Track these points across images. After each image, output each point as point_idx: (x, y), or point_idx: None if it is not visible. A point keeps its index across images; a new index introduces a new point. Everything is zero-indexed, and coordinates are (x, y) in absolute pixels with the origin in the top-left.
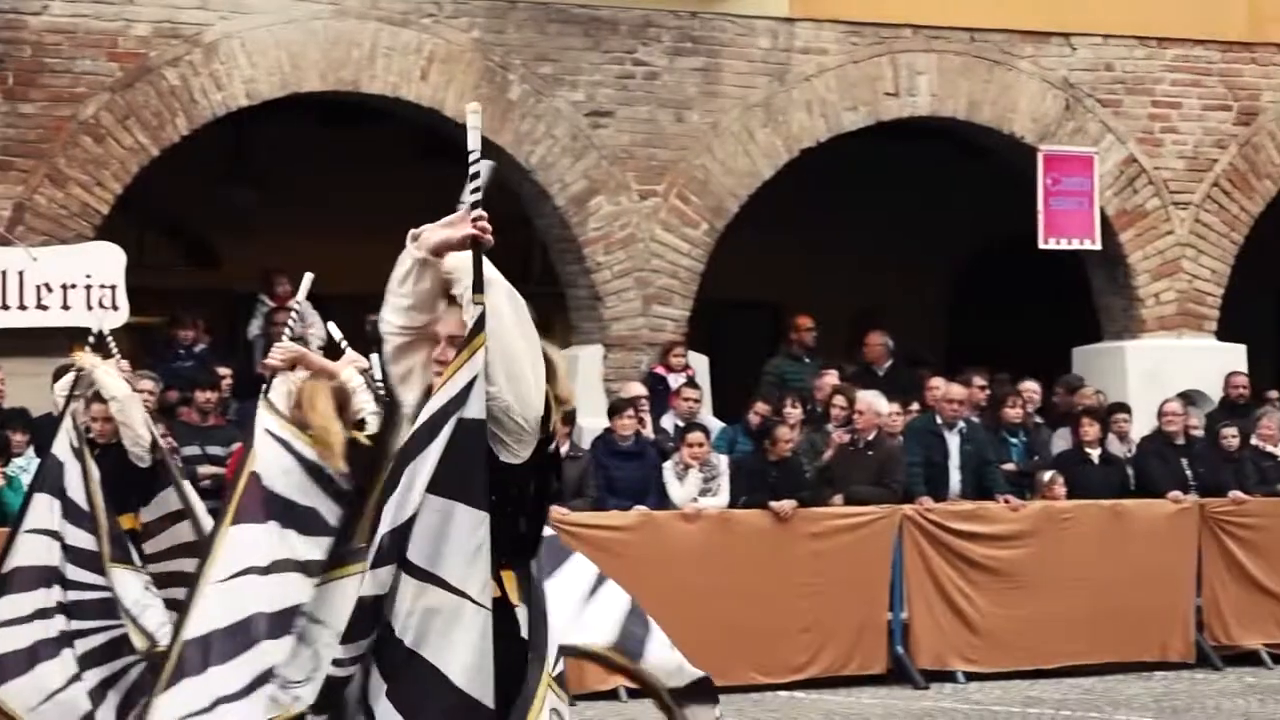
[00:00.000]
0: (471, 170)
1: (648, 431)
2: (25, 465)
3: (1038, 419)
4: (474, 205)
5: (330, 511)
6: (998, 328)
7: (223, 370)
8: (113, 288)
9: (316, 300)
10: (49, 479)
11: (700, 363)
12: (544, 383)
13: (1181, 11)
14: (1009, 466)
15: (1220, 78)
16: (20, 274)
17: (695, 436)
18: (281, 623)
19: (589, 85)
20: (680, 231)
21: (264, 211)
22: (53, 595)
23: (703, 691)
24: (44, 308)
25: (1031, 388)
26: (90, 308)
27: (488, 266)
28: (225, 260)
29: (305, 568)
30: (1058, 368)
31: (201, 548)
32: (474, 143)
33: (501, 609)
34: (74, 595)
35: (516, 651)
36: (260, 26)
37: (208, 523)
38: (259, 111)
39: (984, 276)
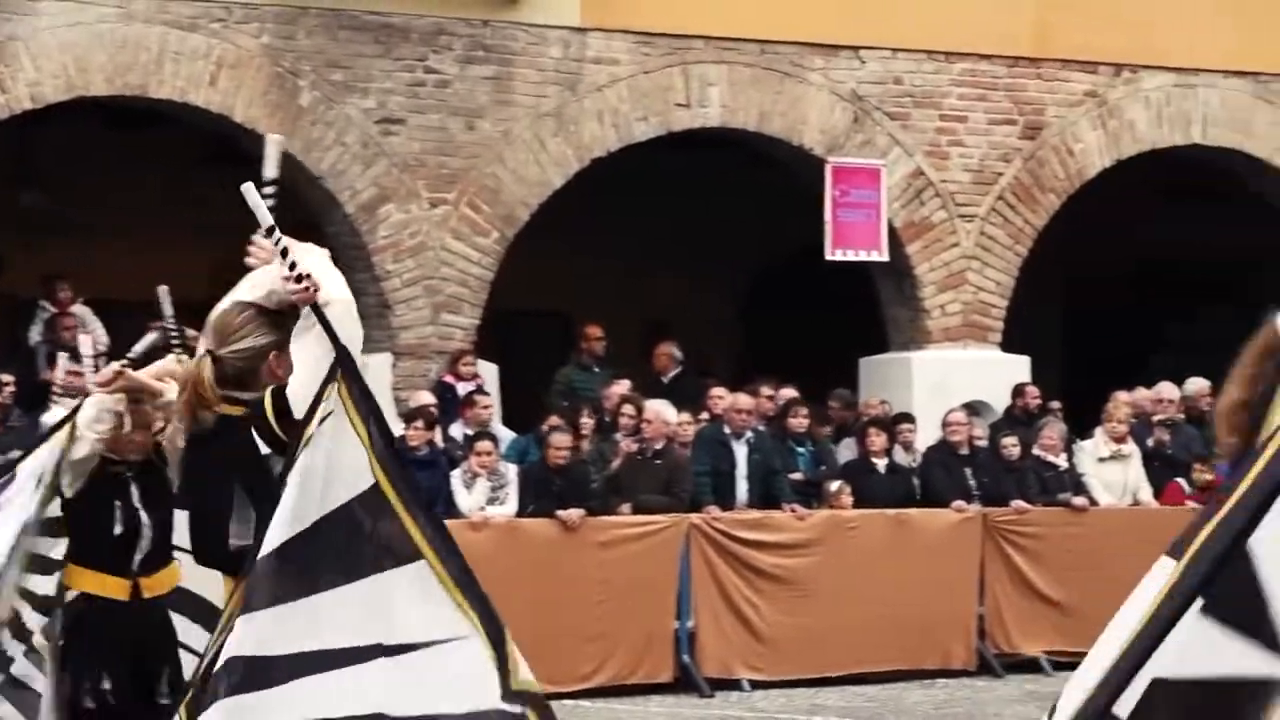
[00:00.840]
0: (265, 201)
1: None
2: None
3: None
4: (269, 230)
5: None
6: (788, 338)
7: (4, 377)
8: None
9: (100, 306)
10: None
11: (489, 371)
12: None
13: (969, 26)
14: (796, 476)
15: (1006, 92)
16: None
17: (483, 445)
18: None
19: (380, 92)
20: (470, 240)
21: (50, 215)
22: None
23: None
24: None
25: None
26: None
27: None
28: (9, 265)
29: None
30: (845, 378)
31: None
32: (270, 172)
33: None
34: None
35: None
36: (45, 29)
37: None
38: (45, 115)
39: (774, 287)
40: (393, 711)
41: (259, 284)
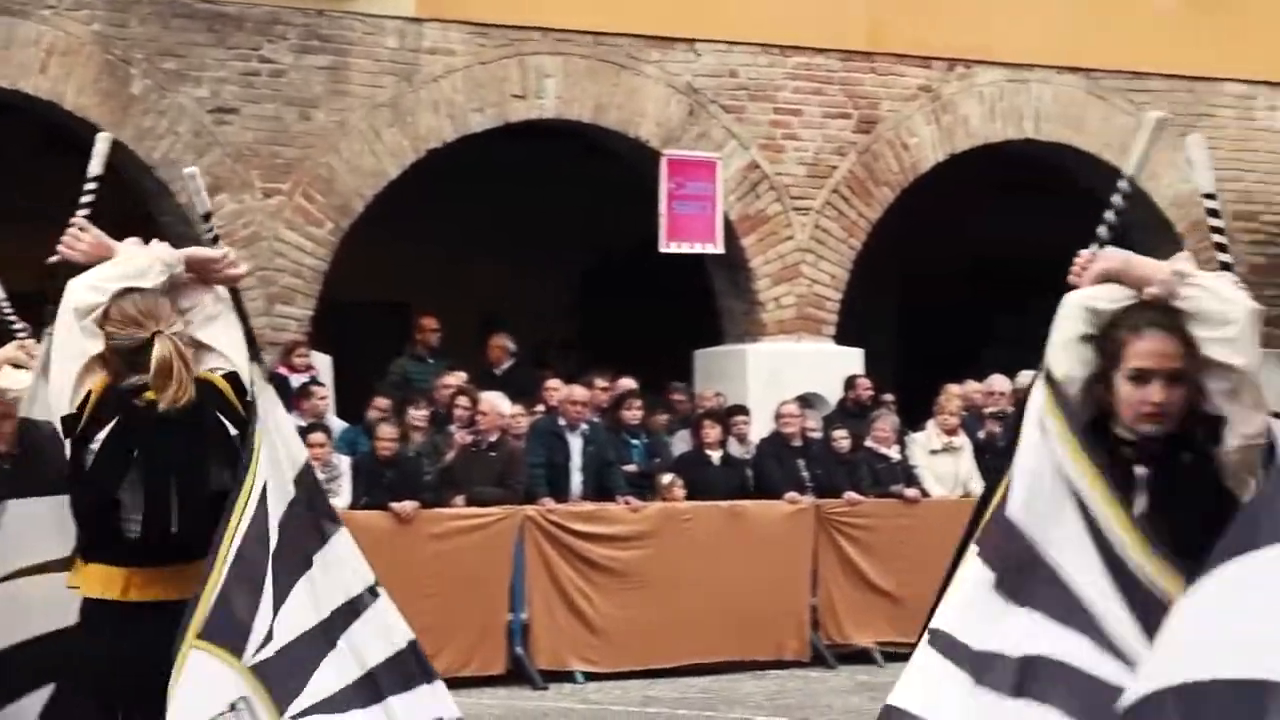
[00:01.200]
0: (84, 198)
1: None
2: None
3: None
4: (206, 217)
5: None
6: (623, 330)
7: None
8: None
9: None
10: None
11: (323, 362)
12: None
13: (804, 20)
14: (630, 468)
15: (841, 86)
16: None
17: (316, 437)
18: None
19: (213, 81)
20: (304, 230)
21: None
22: None
23: None
24: None
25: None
26: None
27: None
28: None
29: None
30: (680, 370)
31: None
32: (95, 169)
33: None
34: None
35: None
36: None
37: None
38: None
39: (610, 279)
40: None
41: (148, 270)
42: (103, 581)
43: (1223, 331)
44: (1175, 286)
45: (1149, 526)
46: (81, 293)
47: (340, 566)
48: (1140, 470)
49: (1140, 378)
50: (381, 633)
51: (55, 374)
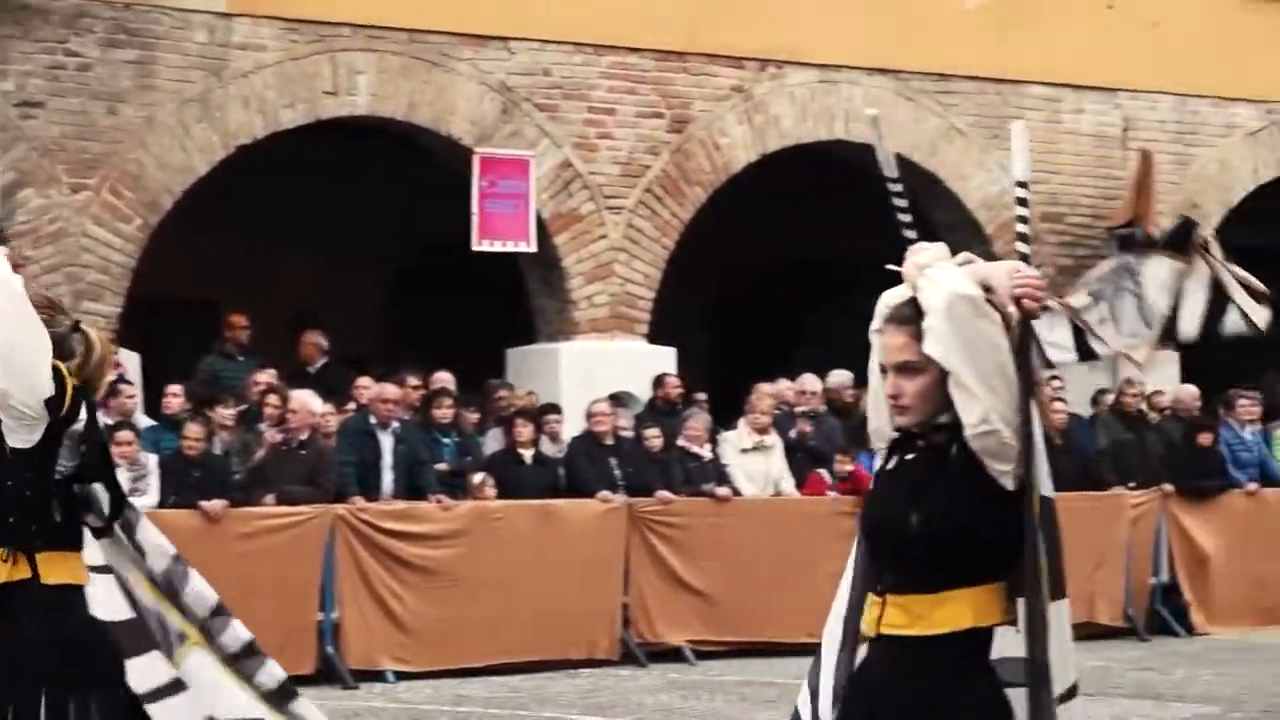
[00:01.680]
0: None
1: None
2: None
3: (469, 412)
4: None
5: None
6: (436, 328)
7: None
8: None
9: None
10: None
11: (132, 360)
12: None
13: (618, 20)
14: (441, 466)
15: (654, 86)
16: None
17: (124, 435)
18: None
19: (18, 75)
20: (112, 226)
21: None
22: None
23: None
24: None
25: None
26: None
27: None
28: None
29: None
30: (494, 369)
31: None
32: None
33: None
34: None
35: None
36: None
37: None
38: None
39: (423, 277)
40: None
41: None
42: (74, 569)
43: (927, 322)
44: (914, 279)
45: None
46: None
47: None
48: (888, 462)
49: (883, 370)
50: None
51: (33, 350)
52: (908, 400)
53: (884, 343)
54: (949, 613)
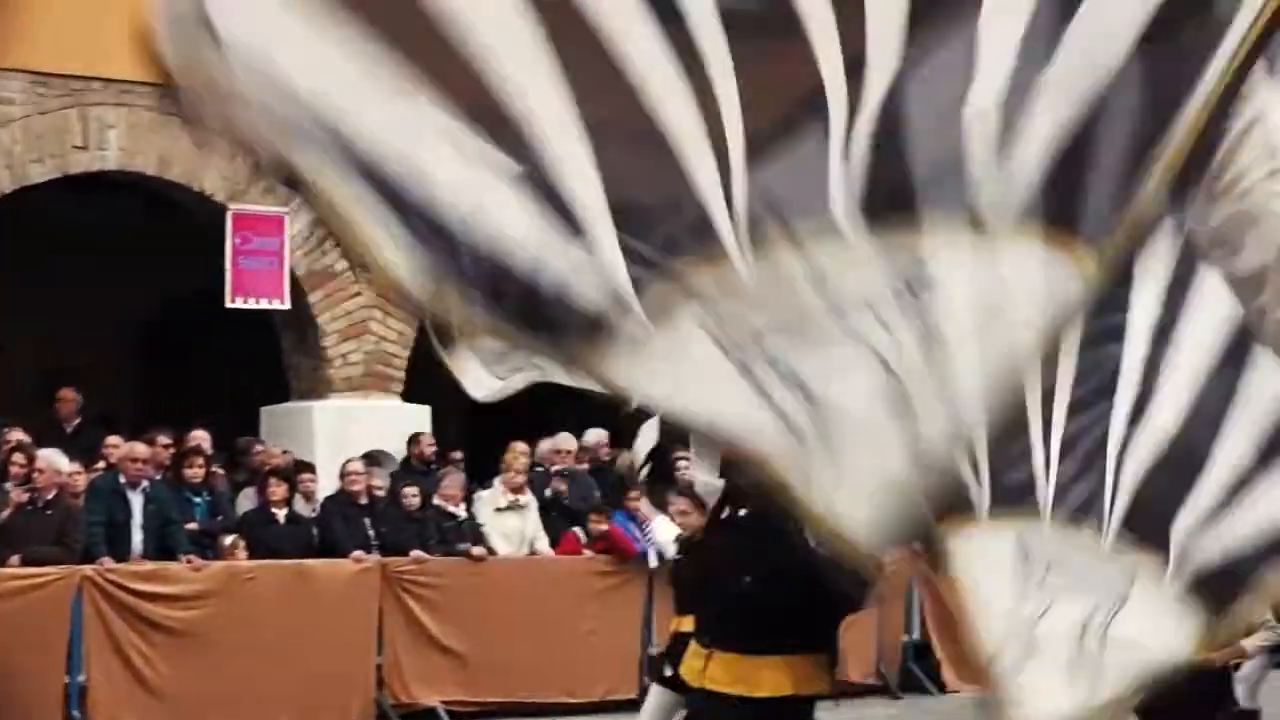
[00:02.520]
0: None
1: None
2: None
3: (220, 470)
4: None
5: None
6: (190, 386)
7: None
8: None
9: None
10: None
11: None
12: None
13: None
14: (192, 526)
15: None
16: None
17: None
18: None
19: None
20: None
21: None
22: None
23: None
24: None
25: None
26: None
27: None
28: None
29: None
30: (249, 427)
31: None
32: None
33: None
34: None
35: None
36: None
37: None
38: None
39: (178, 334)
40: None
41: None
42: None
43: None
44: None
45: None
46: None
47: None
48: (723, 512)
49: None
50: None
51: None
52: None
53: None
54: (771, 678)
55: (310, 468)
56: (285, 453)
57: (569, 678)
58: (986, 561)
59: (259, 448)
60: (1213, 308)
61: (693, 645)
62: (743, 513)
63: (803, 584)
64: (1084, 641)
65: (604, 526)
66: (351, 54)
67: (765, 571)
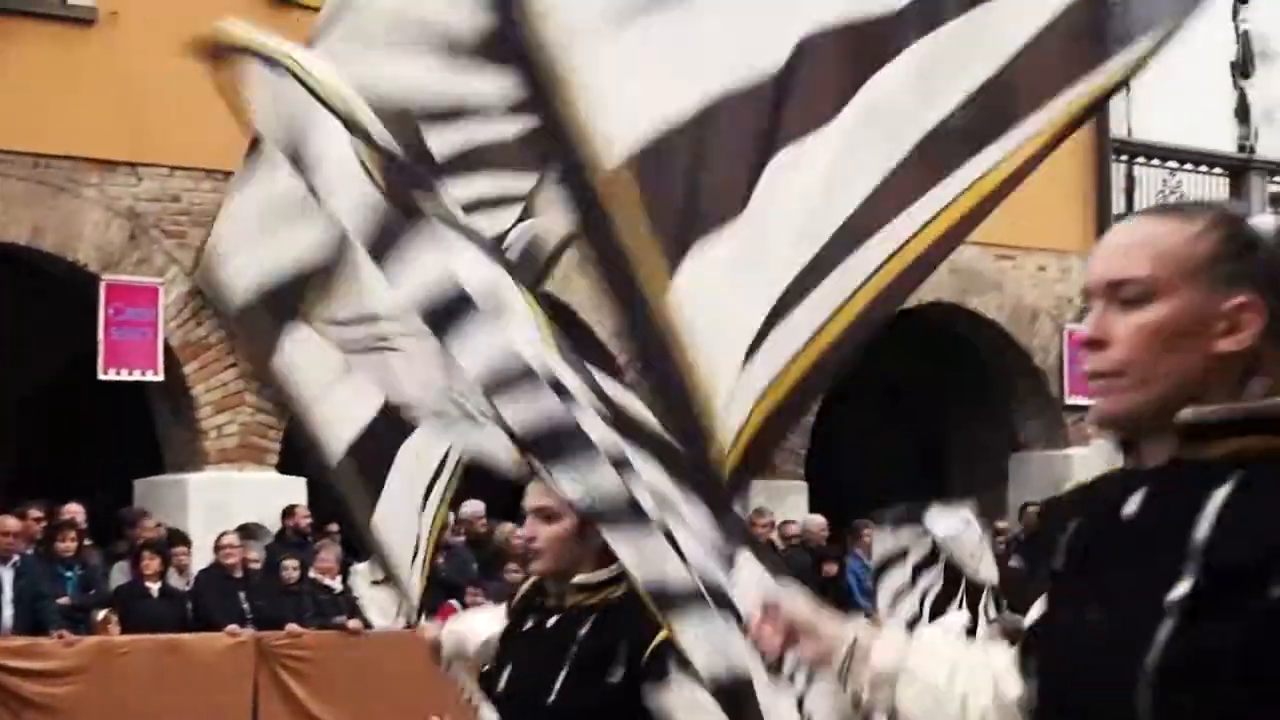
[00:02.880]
0: None
1: None
2: None
3: (88, 543)
4: None
5: None
6: (62, 459)
7: None
8: None
9: None
10: None
11: None
12: None
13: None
14: (64, 601)
15: None
16: None
17: None
18: None
19: None
20: None
21: None
22: None
23: None
24: None
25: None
26: None
27: None
28: None
29: None
30: (122, 499)
31: None
32: None
33: None
34: None
35: None
36: None
37: None
38: None
39: (49, 406)
40: None
41: None
42: None
43: None
44: None
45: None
46: None
47: None
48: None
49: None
50: None
51: None
52: (539, 545)
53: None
54: None
55: (185, 540)
56: (159, 526)
57: None
58: None
59: (146, 522)
60: None
61: None
62: (550, 622)
63: (599, 699)
64: None
65: (481, 599)
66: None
67: (568, 687)
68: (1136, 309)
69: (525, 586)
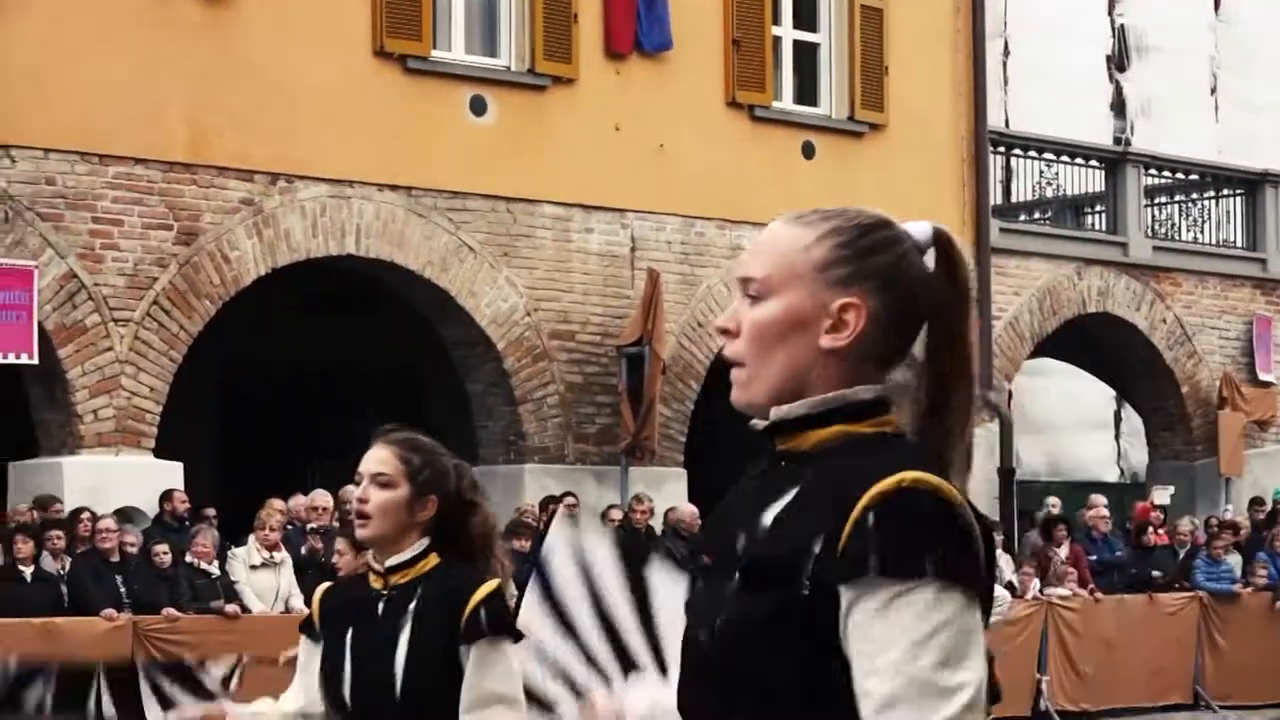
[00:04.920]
0: None
1: None
2: None
3: None
4: None
5: None
6: None
7: None
8: None
9: None
10: None
11: None
12: None
13: (123, 130)
14: None
15: (162, 197)
16: None
17: None
18: None
19: None
20: None
21: None
22: None
23: None
24: None
25: None
26: None
27: None
28: None
29: None
30: None
31: None
32: None
33: None
34: None
35: None
36: None
37: None
38: None
39: None
40: None
41: None
42: None
43: None
44: None
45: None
46: None
47: None
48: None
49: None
50: None
51: None
52: (371, 508)
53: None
54: None
55: (58, 524)
56: (31, 509)
57: None
58: None
59: (58, 506)
60: None
61: None
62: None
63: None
64: None
65: None
66: None
67: (412, 674)
68: (756, 305)
69: (320, 593)
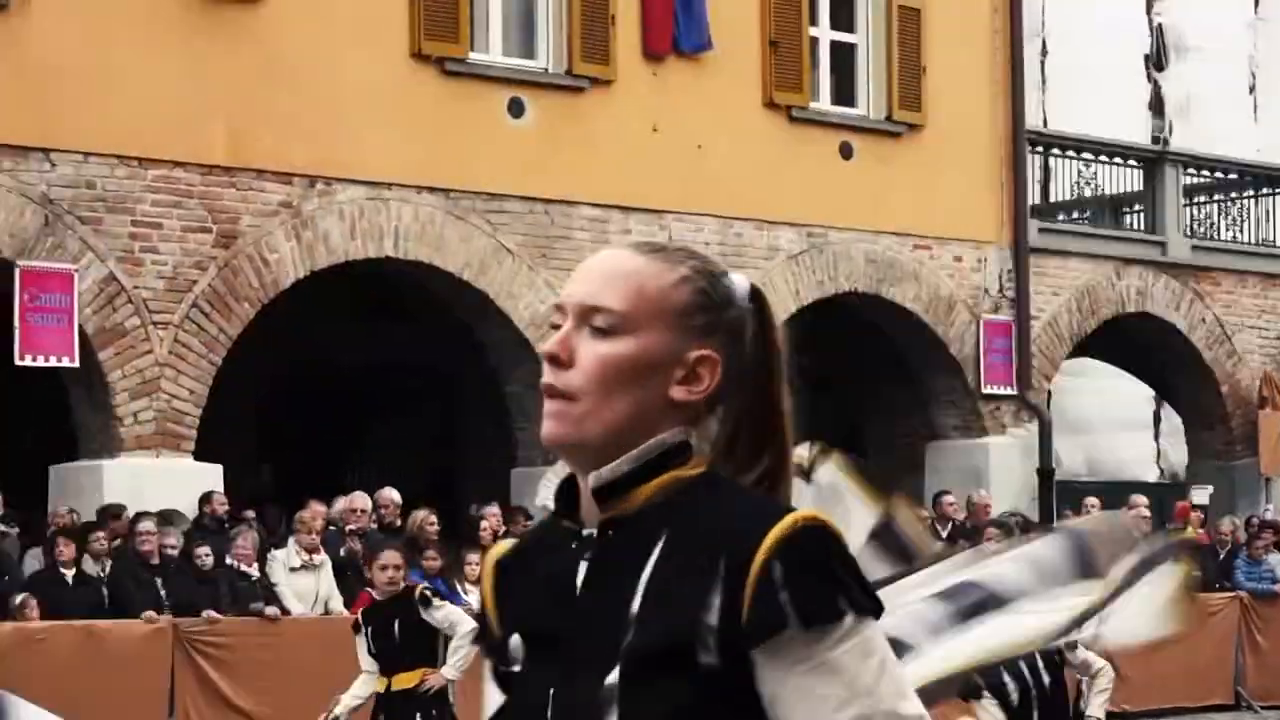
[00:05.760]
0: None
1: None
2: None
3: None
4: None
5: None
6: None
7: None
8: None
9: None
10: None
11: None
12: None
13: (162, 134)
14: None
15: (200, 200)
16: None
17: None
18: None
19: None
20: None
21: None
22: None
23: None
24: None
25: None
26: None
27: None
28: None
29: None
30: (37, 486)
31: None
32: None
33: None
34: None
35: None
36: None
37: None
38: None
39: None
40: None
41: None
42: None
43: None
44: None
45: None
46: None
47: None
48: None
49: None
50: None
51: None
52: None
53: None
54: None
55: (100, 526)
56: (72, 512)
57: None
58: None
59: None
60: None
61: None
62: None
63: None
64: None
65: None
66: None
67: None
68: (605, 339)
69: None
